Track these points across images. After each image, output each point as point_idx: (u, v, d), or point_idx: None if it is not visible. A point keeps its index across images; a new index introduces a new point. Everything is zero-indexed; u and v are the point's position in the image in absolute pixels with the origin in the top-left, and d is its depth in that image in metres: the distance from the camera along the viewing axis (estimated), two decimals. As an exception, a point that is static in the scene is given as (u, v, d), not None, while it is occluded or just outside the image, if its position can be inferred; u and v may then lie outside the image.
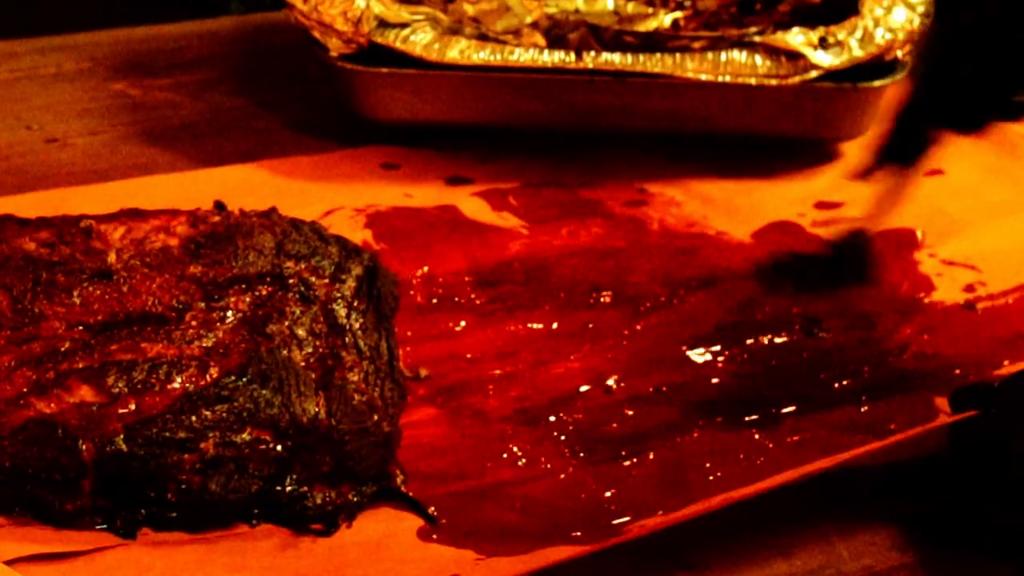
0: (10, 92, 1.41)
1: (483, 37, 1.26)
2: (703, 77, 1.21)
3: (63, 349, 0.89)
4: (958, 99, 1.00)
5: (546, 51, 1.22)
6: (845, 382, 1.02)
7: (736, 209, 1.22)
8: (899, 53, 1.23)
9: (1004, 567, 0.90)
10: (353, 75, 1.25)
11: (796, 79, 1.21)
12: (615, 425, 0.98)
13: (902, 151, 1.05)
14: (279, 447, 0.86)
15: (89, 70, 1.46)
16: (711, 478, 0.93)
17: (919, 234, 1.19)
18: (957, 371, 1.03)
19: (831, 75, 1.22)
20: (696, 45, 1.26)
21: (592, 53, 1.22)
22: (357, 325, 0.95)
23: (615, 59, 1.22)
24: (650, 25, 1.43)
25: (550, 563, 0.85)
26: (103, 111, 1.38)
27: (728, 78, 1.21)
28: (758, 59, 1.21)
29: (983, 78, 0.99)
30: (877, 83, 1.23)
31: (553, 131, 1.27)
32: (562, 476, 0.93)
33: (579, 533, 0.89)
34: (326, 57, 1.25)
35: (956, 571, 0.90)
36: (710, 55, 1.22)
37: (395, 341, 0.98)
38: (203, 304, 0.93)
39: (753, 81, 1.21)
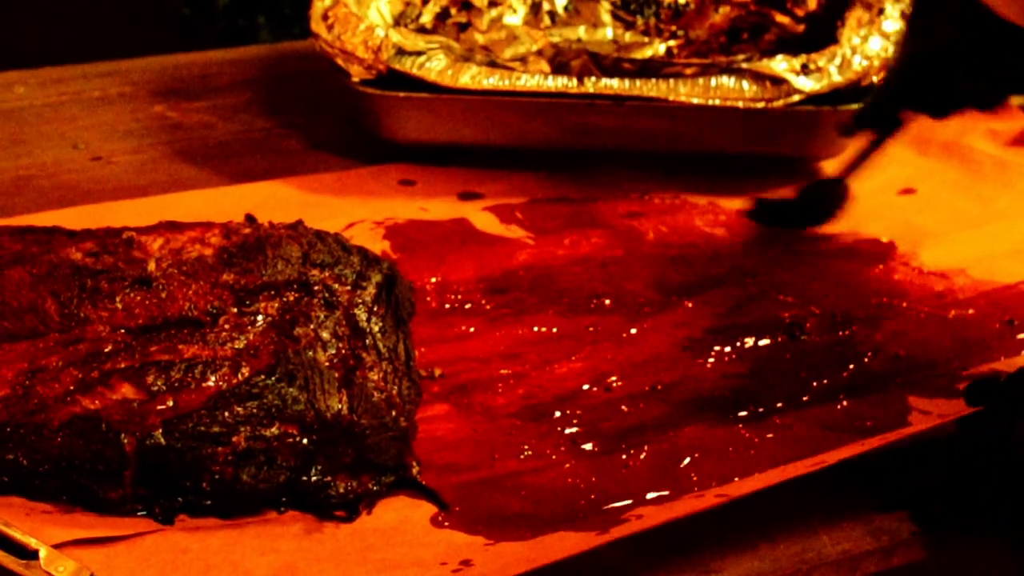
0: (58, 114, 1.41)
1: (493, 64, 1.26)
2: (695, 100, 1.20)
3: (106, 350, 0.89)
4: (930, 86, 1.02)
5: (550, 77, 1.22)
6: (825, 381, 1.02)
7: (726, 220, 1.22)
8: (875, 79, 1.22)
9: (978, 546, 0.91)
10: (373, 99, 1.24)
11: (780, 102, 1.21)
12: (613, 421, 0.97)
13: (878, 119, 1.08)
14: (305, 440, 0.86)
15: (131, 94, 1.46)
16: (702, 469, 0.93)
17: (894, 245, 1.19)
18: (927, 371, 1.03)
19: (812, 99, 1.21)
20: (688, 71, 1.26)
21: (592, 78, 1.22)
22: (376, 328, 0.95)
23: (614, 84, 1.22)
24: (646, 53, 1.43)
25: (554, 554, 0.85)
26: (143, 131, 1.38)
27: (718, 101, 1.21)
28: (745, 84, 1.21)
29: (951, 70, 1.00)
30: (854, 106, 1.22)
31: (557, 150, 1.26)
32: (565, 467, 0.93)
33: (580, 518, 0.89)
34: (348, 82, 1.25)
35: (925, 552, 0.90)
36: (701, 80, 1.21)
37: (411, 343, 0.98)
38: (235, 309, 0.92)
39: (740, 104, 1.21)
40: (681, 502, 0.89)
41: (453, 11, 1.43)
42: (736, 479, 0.92)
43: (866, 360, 1.04)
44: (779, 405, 1.00)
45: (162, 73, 1.50)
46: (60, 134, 1.37)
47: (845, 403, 1.00)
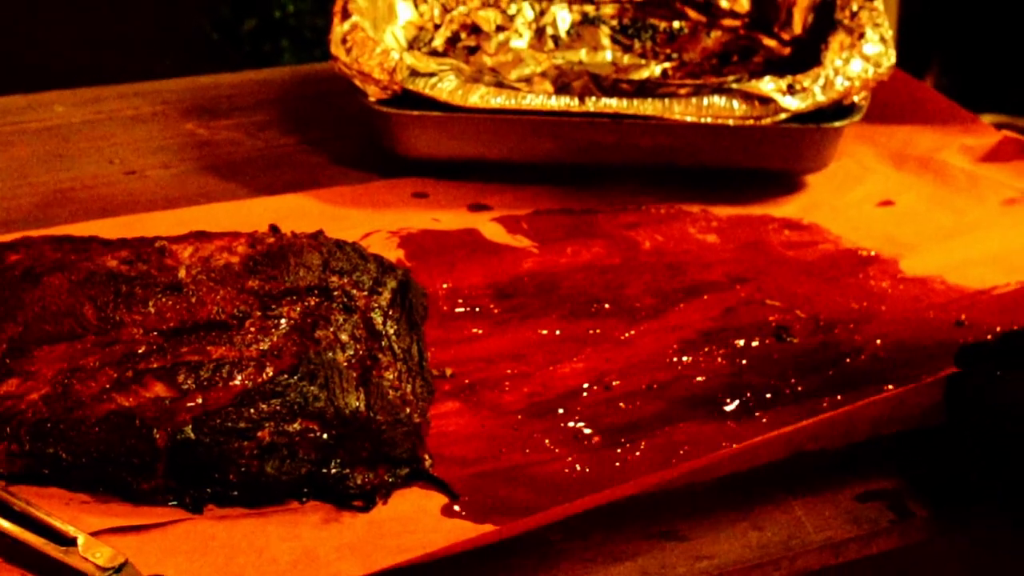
0: (96, 131, 1.41)
1: (500, 84, 1.26)
2: (688, 118, 1.20)
3: (140, 351, 0.89)
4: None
5: (554, 96, 1.22)
6: (810, 379, 1.02)
7: (717, 229, 1.22)
8: (856, 98, 1.22)
9: (955, 532, 0.91)
10: (388, 117, 1.24)
11: (768, 120, 1.21)
12: (613, 417, 0.97)
13: None
14: (325, 435, 0.86)
15: (163, 112, 1.46)
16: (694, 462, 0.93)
17: (873, 254, 1.19)
18: (905, 370, 1.03)
19: (798, 117, 1.21)
20: (682, 91, 1.26)
21: (593, 98, 1.22)
22: (392, 331, 0.95)
23: (612, 103, 1.21)
24: (643, 74, 1.42)
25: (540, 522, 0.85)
26: (175, 148, 1.38)
27: (709, 119, 1.21)
28: (735, 103, 1.21)
29: None
30: (837, 124, 1.22)
31: (560, 164, 1.26)
32: (568, 459, 0.93)
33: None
34: (365, 102, 1.25)
35: (904, 540, 0.90)
36: (694, 100, 1.21)
37: (424, 344, 0.98)
38: (260, 313, 0.92)
39: (731, 122, 1.21)
40: (675, 479, 0.90)
41: (463, 35, 1.44)
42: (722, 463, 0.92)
43: (848, 361, 1.04)
44: (767, 398, 1.00)
45: (192, 93, 1.50)
46: (97, 150, 1.37)
47: (827, 400, 1.00)
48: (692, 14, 1.48)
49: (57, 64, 1.96)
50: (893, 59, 1.26)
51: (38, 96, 1.48)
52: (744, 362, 1.03)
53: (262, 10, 3.75)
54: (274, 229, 1.06)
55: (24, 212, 1.23)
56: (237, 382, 0.87)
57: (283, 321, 0.92)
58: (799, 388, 1.01)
